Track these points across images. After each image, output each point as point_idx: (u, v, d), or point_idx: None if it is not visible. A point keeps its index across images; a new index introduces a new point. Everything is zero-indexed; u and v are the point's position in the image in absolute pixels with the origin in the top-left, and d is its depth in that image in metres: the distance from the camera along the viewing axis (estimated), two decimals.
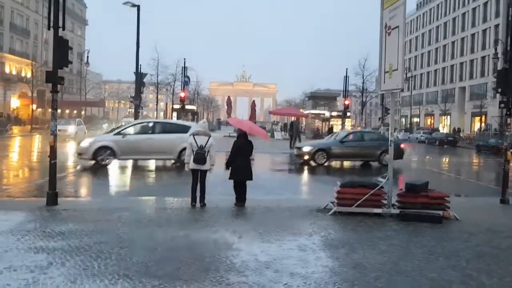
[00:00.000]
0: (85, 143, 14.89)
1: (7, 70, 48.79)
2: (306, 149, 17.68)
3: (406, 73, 54.01)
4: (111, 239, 6.07)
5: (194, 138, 8.44)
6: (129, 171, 14.94)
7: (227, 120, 15.07)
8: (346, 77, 29.38)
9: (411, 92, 64.05)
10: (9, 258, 5.15)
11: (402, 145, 18.69)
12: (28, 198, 9.51)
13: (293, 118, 46.82)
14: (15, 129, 36.92)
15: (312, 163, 17.14)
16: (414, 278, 4.92)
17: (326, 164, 17.22)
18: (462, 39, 58.79)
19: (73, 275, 4.67)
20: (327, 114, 40.07)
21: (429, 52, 69.63)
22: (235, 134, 9.37)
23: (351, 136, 18.41)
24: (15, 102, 48.76)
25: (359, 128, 33.71)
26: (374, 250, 5.93)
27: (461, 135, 46.15)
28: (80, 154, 14.67)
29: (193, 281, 4.60)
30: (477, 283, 4.87)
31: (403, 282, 4.80)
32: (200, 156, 8.32)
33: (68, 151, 20.82)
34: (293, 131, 27.48)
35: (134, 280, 4.59)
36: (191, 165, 8.45)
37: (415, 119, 68.45)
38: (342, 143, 17.51)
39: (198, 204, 8.48)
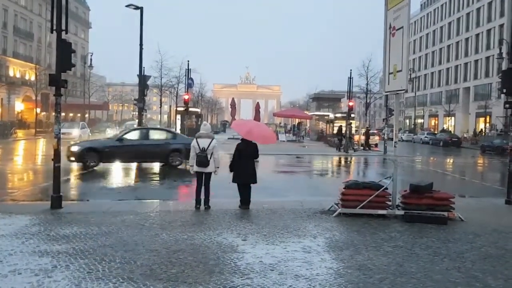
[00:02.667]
0: None
1: (11, 73, 49.06)
2: (73, 148, 14.76)
3: (410, 74, 53.84)
4: (115, 242, 6.08)
5: (197, 140, 8.45)
6: (133, 174, 14.97)
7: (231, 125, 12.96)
8: (350, 78, 29.24)
9: (415, 93, 63.79)
10: (13, 261, 5.17)
11: None
12: (32, 201, 9.55)
13: (297, 120, 46.94)
14: (20, 133, 37.09)
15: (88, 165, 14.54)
16: (419, 280, 4.89)
17: (97, 167, 14.59)
18: (467, 39, 58.52)
19: (77, 278, 4.68)
20: (331, 115, 40.04)
21: (433, 52, 69.36)
22: (239, 137, 9.32)
23: (132, 134, 15.81)
24: (19, 106, 49.02)
25: (363, 130, 33.51)
26: (379, 252, 5.91)
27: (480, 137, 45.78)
28: None
29: (198, 284, 4.59)
30: (483, 284, 4.83)
31: (408, 284, 4.76)
32: (202, 158, 8.33)
33: None
34: (341, 134, 27.25)
35: (138, 283, 4.59)
36: (194, 167, 8.47)
37: (419, 120, 68.19)
38: (121, 142, 14.97)
39: (202, 207, 8.48)
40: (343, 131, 27.87)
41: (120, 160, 15.26)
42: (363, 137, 31.09)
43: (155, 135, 16.18)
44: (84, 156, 14.44)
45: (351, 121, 30.06)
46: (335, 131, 36.11)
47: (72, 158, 14.60)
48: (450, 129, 55.55)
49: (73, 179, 13.14)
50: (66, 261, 5.20)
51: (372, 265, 5.35)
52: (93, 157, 14.54)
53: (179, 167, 15.48)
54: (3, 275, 4.71)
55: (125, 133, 16.04)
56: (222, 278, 4.76)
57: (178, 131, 34.45)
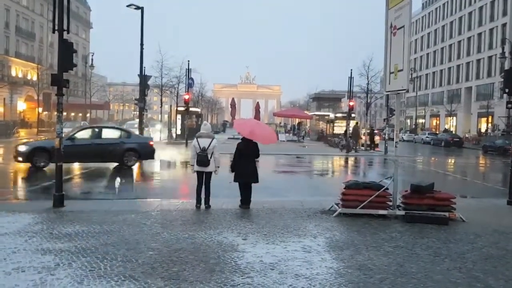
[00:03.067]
0: None
1: (13, 73, 49.17)
2: (21, 148, 14.20)
3: (412, 74, 53.74)
4: (117, 240, 6.11)
5: (197, 140, 8.48)
6: (135, 173, 15.00)
7: (233, 124, 12.23)
8: (350, 78, 29.22)
9: (417, 93, 63.71)
10: (17, 259, 5.21)
11: (151, 143, 15.82)
12: (35, 200, 9.59)
13: (297, 120, 46.93)
14: (22, 132, 37.20)
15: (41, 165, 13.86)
16: (419, 280, 4.90)
17: (47, 167, 13.74)
18: (469, 38, 58.39)
19: (79, 276, 4.71)
20: (331, 115, 39.99)
21: (435, 52, 69.25)
22: (240, 136, 9.34)
23: (84, 133, 15.12)
24: (21, 105, 49.14)
25: (363, 130, 33.48)
26: (379, 252, 5.92)
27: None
28: None
29: (198, 283, 4.61)
30: (484, 285, 4.84)
31: (408, 284, 4.78)
32: (202, 158, 8.36)
33: None
34: (352, 135, 27.23)
35: (140, 281, 4.62)
36: (195, 167, 8.51)
37: (421, 120, 68.08)
38: (73, 141, 14.09)
39: (203, 206, 8.52)
40: (348, 131, 27.78)
41: (72, 160, 14.32)
42: (363, 137, 31.04)
43: (109, 134, 15.44)
44: (33, 156, 13.81)
45: (357, 121, 29.78)
46: (335, 131, 36.21)
47: (20, 159, 14.03)
48: (451, 129, 55.44)
49: (75, 178, 13.18)
50: (68, 259, 5.23)
51: (373, 265, 5.36)
52: (43, 157, 13.82)
53: (133, 167, 15.09)
54: (6, 273, 4.75)
55: (77, 132, 15.30)
56: (223, 277, 4.79)
57: (179, 131, 34.58)
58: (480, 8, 55.77)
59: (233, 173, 8.85)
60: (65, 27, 8.42)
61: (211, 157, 8.44)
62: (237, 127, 9.88)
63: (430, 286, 4.75)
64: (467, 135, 48.19)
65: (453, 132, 49.42)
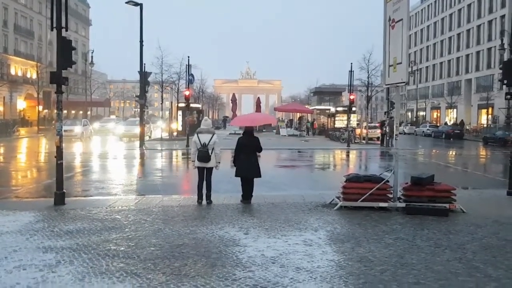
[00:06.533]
0: None
1: (12, 71, 49.12)
2: None
3: (412, 66, 53.52)
4: (118, 237, 6.14)
5: (198, 136, 8.50)
6: (135, 169, 15.04)
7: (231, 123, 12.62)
8: (351, 71, 29.12)
9: (417, 86, 63.55)
10: (18, 257, 5.23)
11: None
12: (36, 198, 9.62)
13: (298, 114, 46.87)
14: (22, 131, 37.22)
15: None
16: (420, 271, 4.92)
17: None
18: (468, 30, 58.18)
19: (81, 273, 4.73)
20: (332, 109, 39.92)
21: (434, 44, 69.01)
22: (240, 132, 9.45)
23: None
24: (21, 104, 49.13)
25: (364, 124, 33.36)
26: (380, 244, 5.94)
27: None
28: None
29: (200, 277, 4.64)
30: (483, 275, 4.86)
31: (408, 275, 4.80)
32: (203, 154, 8.38)
33: (75, 151, 20.99)
34: (387, 129, 26.05)
35: (141, 277, 4.64)
36: (196, 163, 8.54)
37: (421, 113, 67.96)
38: None
39: (204, 201, 8.54)
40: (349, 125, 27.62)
41: None
42: (366, 130, 30.96)
43: None
44: None
45: (391, 116, 27.33)
46: (336, 125, 36.08)
47: None
48: (452, 121, 55.20)
49: (76, 175, 13.21)
50: (70, 257, 5.25)
51: (373, 257, 5.39)
52: None
53: None
54: (8, 271, 4.77)
55: None
56: (224, 271, 4.81)
57: (180, 127, 34.57)
58: (479, 0, 55.49)
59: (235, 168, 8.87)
60: (63, 24, 8.40)
61: (212, 153, 8.46)
62: (232, 123, 12.08)
63: (430, 277, 4.77)
64: (467, 127, 48.03)
65: (461, 124, 48.49)
